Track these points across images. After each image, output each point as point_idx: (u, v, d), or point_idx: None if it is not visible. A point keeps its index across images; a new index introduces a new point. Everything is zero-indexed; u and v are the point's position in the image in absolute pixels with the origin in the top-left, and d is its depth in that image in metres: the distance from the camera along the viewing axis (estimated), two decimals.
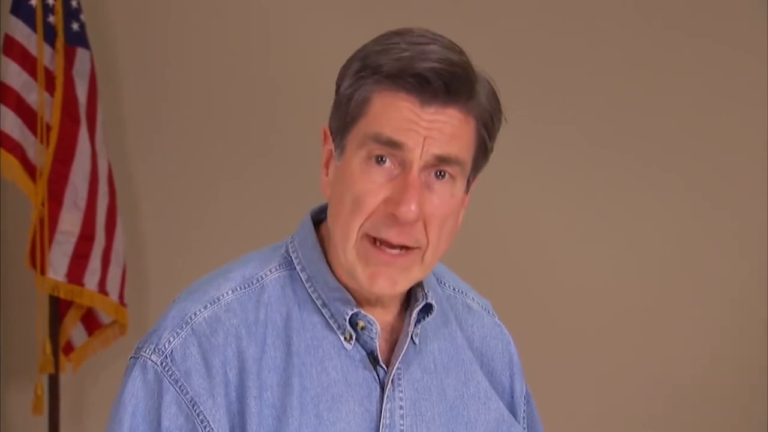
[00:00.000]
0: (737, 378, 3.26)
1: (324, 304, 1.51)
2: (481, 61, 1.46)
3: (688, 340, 3.27)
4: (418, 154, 1.43)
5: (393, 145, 1.43)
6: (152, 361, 1.46)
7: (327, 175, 1.51)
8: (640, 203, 3.28)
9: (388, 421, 1.51)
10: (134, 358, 1.49)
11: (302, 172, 3.32)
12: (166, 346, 1.46)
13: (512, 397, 1.68)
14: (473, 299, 1.71)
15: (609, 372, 3.31)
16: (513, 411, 1.67)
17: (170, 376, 1.45)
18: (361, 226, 1.45)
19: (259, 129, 3.39)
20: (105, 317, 3.28)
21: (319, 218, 1.57)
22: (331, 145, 1.50)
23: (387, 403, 1.52)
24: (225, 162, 3.39)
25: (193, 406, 1.44)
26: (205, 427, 1.44)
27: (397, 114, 1.42)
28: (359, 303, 1.51)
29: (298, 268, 1.53)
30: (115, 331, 3.29)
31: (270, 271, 1.53)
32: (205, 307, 1.49)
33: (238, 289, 1.51)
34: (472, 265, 1.98)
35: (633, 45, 3.26)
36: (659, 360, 3.28)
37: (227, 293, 1.50)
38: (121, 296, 3.27)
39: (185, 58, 3.41)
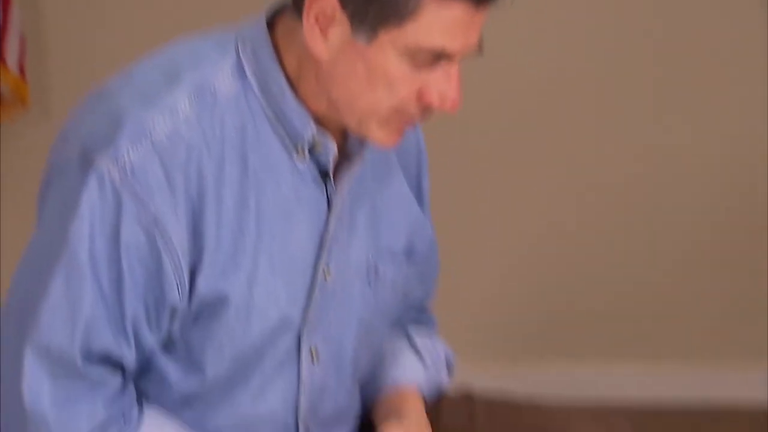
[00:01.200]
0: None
1: (278, 119, 1.50)
2: None
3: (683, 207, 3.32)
4: (462, 52, 1.45)
5: (446, 56, 1.43)
6: (110, 174, 1.42)
7: (326, 38, 1.44)
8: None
9: (331, 234, 1.55)
10: (84, 163, 1.43)
11: None
12: (125, 158, 1.42)
13: (420, 192, 1.74)
14: None
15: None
16: (420, 206, 1.73)
17: (129, 191, 1.42)
18: (391, 106, 1.45)
19: None
20: (4, 89, 3.17)
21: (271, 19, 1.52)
22: (337, 7, 1.41)
23: (333, 217, 1.55)
24: None
25: (156, 224, 1.43)
26: (167, 245, 1.44)
27: (452, 22, 1.40)
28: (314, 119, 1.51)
29: (251, 79, 1.49)
30: (17, 106, 3.20)
31: (223, 78, 1.49)
32: (163, 118, 1.44)
33: (194, 98, 1.46)
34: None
35: None
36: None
37: (184, 104, 1.46)
38: (21, 68, 3.16)
39: None
